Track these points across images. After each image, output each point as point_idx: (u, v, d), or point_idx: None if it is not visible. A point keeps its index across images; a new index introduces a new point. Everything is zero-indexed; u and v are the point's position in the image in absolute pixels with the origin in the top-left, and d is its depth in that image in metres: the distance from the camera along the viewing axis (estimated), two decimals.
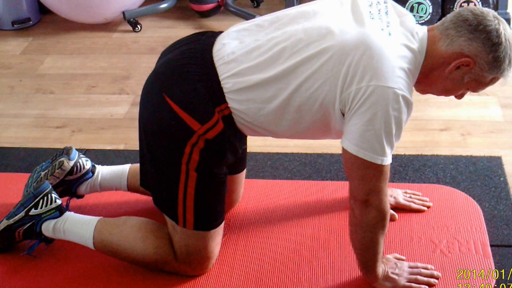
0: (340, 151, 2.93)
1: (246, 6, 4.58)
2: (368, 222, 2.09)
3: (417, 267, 2.27)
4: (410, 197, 2.61)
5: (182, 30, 4.30)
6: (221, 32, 2.21)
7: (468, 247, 2.40)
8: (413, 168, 2.86)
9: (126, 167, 2.57)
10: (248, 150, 2.92)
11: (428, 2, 4.06)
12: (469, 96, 3.27)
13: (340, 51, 1.97)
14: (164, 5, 4.49)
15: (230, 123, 2.09)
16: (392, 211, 2.51)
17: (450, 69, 2.03)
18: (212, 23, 4.43)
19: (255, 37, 2.11)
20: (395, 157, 2.86)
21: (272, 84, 2.04)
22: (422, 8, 4.07)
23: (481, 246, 2.40)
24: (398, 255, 2.33)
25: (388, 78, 1.93)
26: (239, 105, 2.07)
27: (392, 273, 2.23)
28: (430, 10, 4.08)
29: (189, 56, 2.13)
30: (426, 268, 2.27)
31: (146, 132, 2.13)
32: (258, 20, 2.20)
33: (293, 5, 4.19)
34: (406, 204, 2.56)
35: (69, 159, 2.50)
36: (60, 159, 2.50)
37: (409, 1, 4.06)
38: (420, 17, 4.09)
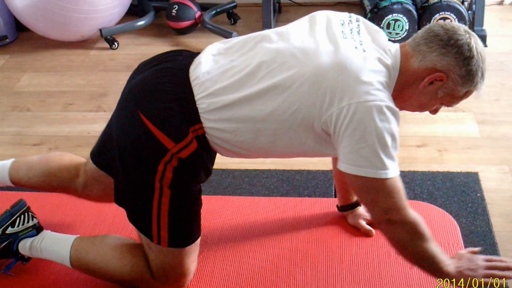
0: (317, 168, 2.97)
1: (223, 23, 4.59)
2: (401, 240, 2.06)
3: (492, 260, 2.18)
4: None
5: (159, 47, 4.30)
6: (198, 53, 2.21)
7: None
8: None
9: (7, 162, 2.55)
10: (225, 167, 2.94)
11: (405, 19, 4.09)
12: (445, 112, 3.32)
13: (315, 73, 1.97)
14: (141, 23, 4.50)
15: (204, 143, 2.08)
16: (369, 227, 2.53)
17: (423, 85, 2.03)
18: (189, 40, 4.44)
19: (230, 58, 2.11)
20: None
21: (246, 104, 2.03)
22: (398, 25, 4.09)
23: None
24: (471, 249, 2.26)
25: (367, 93, 1.92)
26: (214, 124, 2.06)
27: (467, 269, 2.13)
28: (406, 27, 4.10)
29: (166, 75, 2.12)
30: (502, 261, 2.19)
31: (119, 148, 2.12)
32: (234, 40, 2.20)
33: (270, 21, 4.21)
34: None
35: None
36: None
37: (386, 18, 4.09)
38: (397, 33, 4.12)
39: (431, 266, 2.10)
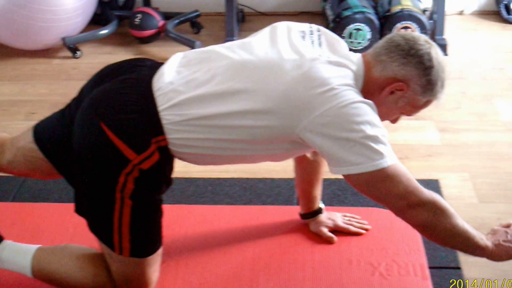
0: (280, 176, 2.98)
1: (186, 32, 4.59)
2: (427, 221, 2.03)
3: None
4: (349, 220, 2.62)
5: (122, 56, 4.28)
6: (161, 63, 2.20)
7: (407, 269, 2.42)
8: (352, 192, 2.88)
9: None
10: (188, 176, 2.94)
11: (367, 28, 4.12)
12: (406, 121, 3.33)
13: (282, 88, 1.97)
14: (104, 31, 4.48)
15: (166, 154, 2.08)
16: (330, 234, 2.55)
17: (384, 94, 2.05)
18: (152, 49, 4.43)
19: (193, 69, 2.10)
20: (334, 181, 2.88)
21: (214, 119, 2.02)
22: (360, 34, 4.13)
23: (419, 268, 2.43)
24: (505, 223, 2.23)
25: (337, 96, 1.93)
26: (180, 135, 2.05)
27: (504, 241, 2.11)
28: (368, 36, 4.14)
29: (129, 86, 2.11)
30: None
31: (80, 159, 2.11)
32: (198, 50, 2.21)
33: (233, 30, 4.22)
34: (344, 227, 2.58)
35: None
36: None
37: (348, 28, 4.12)
38: (359, 43, 4.15)
39: (466, 242, 2.07)
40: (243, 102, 2.00)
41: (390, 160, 1.96)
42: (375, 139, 1.94)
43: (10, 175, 2.46)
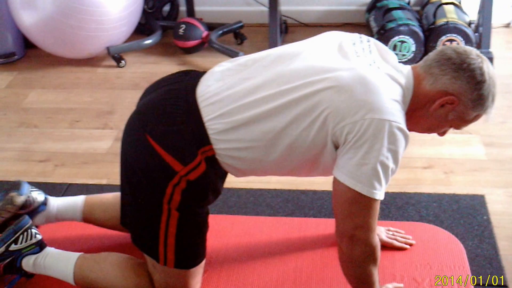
0: (323, 188, 2.96)
1: (230, 43, 4.60)
2: (356, 258, 2.07)
3: None
4: (393, 234, 2.60)
5: (166, 66, 4.31)
6: (205, 72, 2.20)
7: (451, 286, 2.39)
8: (396, 206, 2.86)
9: (79, 199, 2.54)
10: (230, 186, 2.92)
11: (411, 40, 4.09)
12: (452, 135, 3.31)
13: (330, 89, 1.96)
14: (148, 41, 4.50)
15: (213, 164, 2.08)
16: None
17: (434, 108, 2.03)
18: (196, 59, 4.44)
19: (239, 77, 2.10)
20: None
21: (260, 124, 2.02)
22: (405, 47, 4.10)
23: (464, 285, 2.39)
24: (396, 284, 2.33)
25: (383, 110, 1.92)
26: (226, 145, 2.05)
27: None
28: (413, 48, 4.11)
29: (173, 97, 2.11)
30: None
31: (127, 171, 2.12)
32: (242, 59, 2.19)
33: (276, 41, 4.22)
34: (388, 241, 2.56)
35: (19, 194, 2.44)
36: (11, 194, 2.44)
37: (392, 40, 4.09)
38: (403, 55, 4.12)
39: None
40: (288, 100, 1.99)
41: (381, 195, 1.98)
42: (386, 171, 1.95)
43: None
